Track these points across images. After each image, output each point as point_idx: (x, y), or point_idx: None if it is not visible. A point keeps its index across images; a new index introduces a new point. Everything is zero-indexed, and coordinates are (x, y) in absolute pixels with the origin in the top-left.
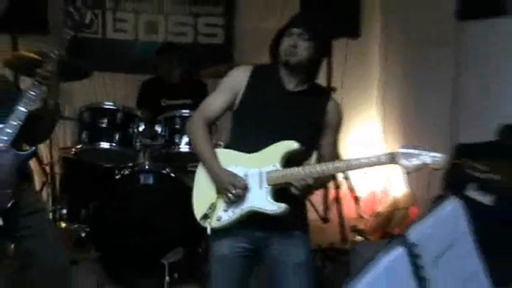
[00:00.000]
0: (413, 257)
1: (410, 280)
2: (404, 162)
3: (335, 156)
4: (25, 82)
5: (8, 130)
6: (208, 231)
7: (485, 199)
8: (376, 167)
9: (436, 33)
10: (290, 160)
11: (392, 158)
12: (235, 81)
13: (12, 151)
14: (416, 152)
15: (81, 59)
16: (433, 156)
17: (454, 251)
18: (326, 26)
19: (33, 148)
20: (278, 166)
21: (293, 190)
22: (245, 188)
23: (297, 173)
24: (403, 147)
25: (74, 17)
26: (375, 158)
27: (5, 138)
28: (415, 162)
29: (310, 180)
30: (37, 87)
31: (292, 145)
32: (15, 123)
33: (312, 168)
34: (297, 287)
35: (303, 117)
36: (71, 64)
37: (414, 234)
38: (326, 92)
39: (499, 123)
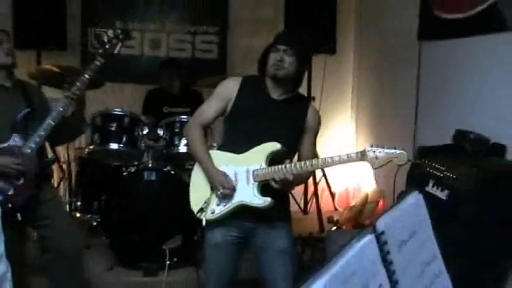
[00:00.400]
0: (381, 243)
1: (378, 263)
2: (371, 159)
3: (314, 156)
4: (46, 91)
5: (37, 139)
6: (204, 223)
7: (442, 194)
8: (348, 164)
9: (402, 51)
10: (274, 159)
11: (361, 156)
12: (226, 91)
13: (37, 158)
14: (382, 150)
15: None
16: (396, 153)
17: (416, 238)
18: (307, 42)
19: (54, 157)
20: (263, 165)
21: (274, 185)
22: (233, 188)
23: (279, 170)
24: (371, 146)
25: (105, 47)
26: (346, 156)
27: (33, 146)
28: (381, 158)
29: (289, 176)
30: (66, 103)
31: (276, 146)
32: (42, 133)
33: (293, 165)
34: (281, 270)
35: (287, 122)
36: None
37: (382, 223)
38: (306, 100)
39: (454, 128)
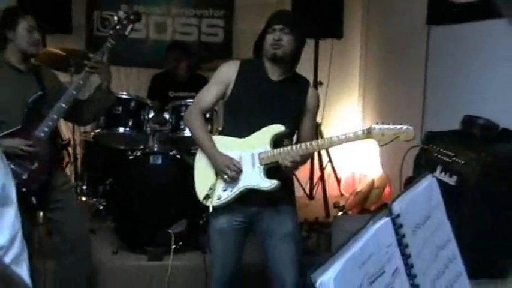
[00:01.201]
0: (397, 226)
1: (394, 246)
2: (378, 135)
3: (313, 136)
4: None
5: (49, 123)
6: (210, 209)
7: (451, 180)
8: (355, 142)
9: (409, 35)
10: (277, 141)
11: (367, 133)
12: (225, 75)
13: (49, 142)
14: (388, 126)
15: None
16: (403, 129)
17: (430, 221)
18: (300, 21)
19: (67, 141)
20: (268, 147)
21: (283, 166)
22: (239, 170)
23: (285, 152)
24: (377, 123)
25: (116, 28)
26: (352, 134)
27: (46, 130)
28: (387, 135)
29: (297, 158)
30: (78, 85)
31: (280, 128)
32: (55, 116)
33: (299, 146)
34: (286, 253)
35: (287, 103)
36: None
37: (398, 206)
38: (306, 81)
39: (462, 114)
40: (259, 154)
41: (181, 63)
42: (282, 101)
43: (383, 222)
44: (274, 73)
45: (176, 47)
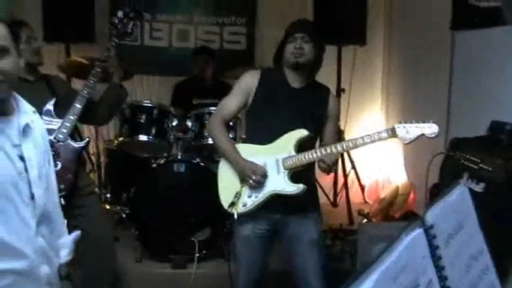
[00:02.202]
0: (430, 237)
1: (427, 258)
2: (402, 134)
3: (336, 140)
4: (75, 83)
5: (67, 124)
6: (236, 216)
7: (478, 187)
8: (379, 142)
9: (433, 41)
10: (301, 146)
11: (391, 133)
12: (246, 85)
13: (70, 143)
14: (412, 124)
15: (124, 63)
16: (427, 126)
17: (463, 231)
18: (318, 29)
19: (87, 139)
20: (292, 152)
21: (322, 166)
22: (265, 175)
23: (310, 156)
24: (400, 122)
25: (118, 27)
26: (376, 134)
27: (65, 131)
28: (411, 132)
29: (335, 157)
30: (90, 86)
31: (303, 132)
32: (72, 117)
33: (323, 150)
34: (311, 260)
35: (309, 110)
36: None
37: (431, 216)
38: (325, 88)
39: (487, 120)
40: (284, 159)
41: (208, 67)
42: (303, 107)
43: (416, 233)
44: (294, 81)
45: (203, 51)
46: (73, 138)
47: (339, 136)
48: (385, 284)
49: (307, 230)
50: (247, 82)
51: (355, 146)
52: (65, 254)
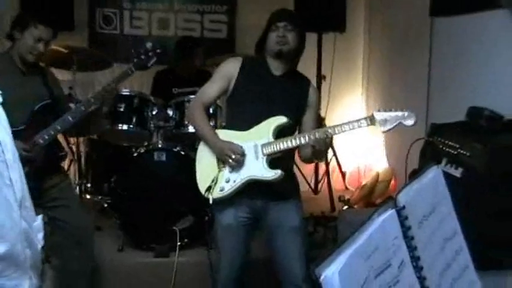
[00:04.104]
0: (402, 218)
1: (400, 239)
2: (381, 121)
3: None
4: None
5: (51, 132)
6: (211, 201)
7: (457, 172)
8: (358, 130)
9: (413, 28)
10: (280, 133)
11: (370, 120)
12: (227, 71)
13: (44, 151)
14: (391, 113)
15: (103, 52)
16: (406, 115)
17: (436, 213)
18: (300, 18)
19: (65, 152)
20: (271, 138)
21: (314, 149)
22: (243, 154)
23: (289, 143)
24: (378, 110)
25: (141, 57)
26: (356, 122)
27: (46, 137)
28: (390, 120)
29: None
30: (90, 103)
31: (282, 119)
32: (59, 128)
33: (301, 136)
34: (294, 247)
35: (289, 98)
36: (96, 56)
37: (403, 198)
38: (306, 78)
39: (467, 105)
40: (263, 145)
41: (196, 59)
42: (283, 95)
43: (388, 214)
44: (276, 68)
45: (193, 42)
46: (54, 145)
47: (319, 125)
48: (357, 263)
49: (289, 217)
50: (228, 68)
51: (334, 133)
52: (40, 238)
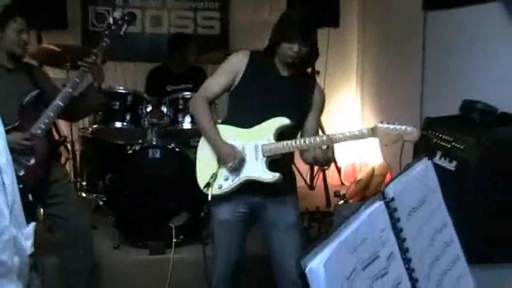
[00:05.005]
0: (391, 210)
1: (388, 231)
2: (382, 135)
3: (316, 132)
4: (47, 71)
5: (46, 120)
6: (209, 197)
7: (450, 165)
8: (359, 140)
9: (406, 22)
10: (281, 135)
11: (372, 132)
12: (234, 66)
13: (46, 139)
14: (393, 126)
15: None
16: (408, 130)
17: (426, 205)
18: (314, 27)
19: (63, 137)
20: (272, 139)
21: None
22: (242, 160)
23: (289, 145)
24: (381, 122)
25: (112, 28)
26: (357, 131)
27: (43, 127)
28: (392, 134)
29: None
30: (74, 84)
31: (284, 121)
32: (51, 114)
33: (302, 141)
34: (291, 244)
35: (294, 99)
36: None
37: (391, 190)
38: (313, 79)
39: (461, 99)
40: (263, 146)
41: (190, 56)
42: (288, 96)
43: (376, 206)
44: (284, 70)
45: (186, 39)
46: (50, 134)
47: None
48: (343, 255)
49: (286, 214)
50: (235, 63)
51: (335, 141)
52: (29, 245)
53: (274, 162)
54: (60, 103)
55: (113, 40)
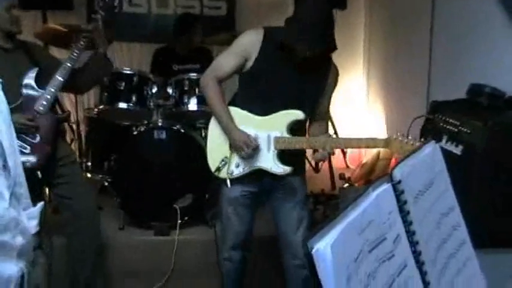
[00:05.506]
0: (398, 192)
1: (395, 213)
2: (396, 148)
3: (328, 112)
4: (52, 51)
5: (47, 96)
6: (228, 184)
7: (457, 149)
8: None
9: (414, 4)
10: (295, 126)
11: (386, 144)
12: (247, 46)
13: (50, 115)
14: (408, 140)
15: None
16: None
17: (433, 188)
18: (332, 26)
19: (68, 112)
20: (285, 133)
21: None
22: (256, 149)
23: (302, 141)
24: (397, 134)
25: (106, 1)
26: (372, 140)
27: (45, 103)
28: (405, 149)
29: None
30: (73, 58)
31: (299, 115)
32: (53, 90)
33: (315, 140)
34: (299, 220)
35: (310, 87)
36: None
37: (399, 172)
38: (328, 58)
39: (468, 83)
40: (275, 138)
41: (197, 36)
42: (304, 83)
43: (383, 189)
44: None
45: (194, 19)
46: (53, 110)
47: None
48: (350, 237)
49: (295, 192)
50: (248, 45)
51: (348, 146)
52: (34, 225)
53: (285, 153)
54: (60, 78)
55: (108, 11)
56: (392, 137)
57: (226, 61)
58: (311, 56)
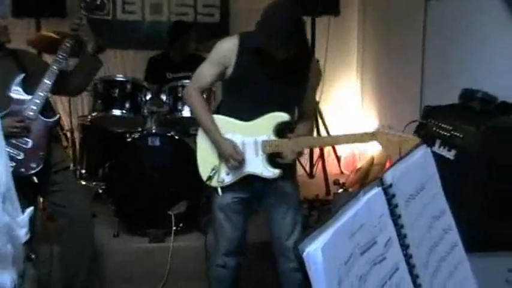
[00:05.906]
0: (389, 196)
1: (386, 217)
2: (383, 140)
3: (313, 110)
4: (46, 59)
5: (37, 101)
6: (220, 193)
7: (449, 154)
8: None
9: (407, 11)
10: (281, 128)
11: (373, 136)
12: (225, 53)
13: (41, 119)
14: (394, 133)
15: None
16: (409, 138)
17: (424, 192)
18: (303, 30)
19: (58, 116)
20: (272, 136)
21: (287, 157)
22: (242, 160)
23: (289, 143)
24: (382, 128)
25: (88, 2)
26: (359, 134)
27: (34, 108)
28: (392, 142)
29: (302, 149)
30: (60, 61)
31: (284, 117)
32: (42, 94)
33: (303, 140)
34: (292, 224)
35: (291, 84)
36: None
37: (390, 176)
38: (308, 55)
39: (461, 88)
40: (263, 142)
41: (191, 44)
42: (286, 83)
43: (374, 193)
44: (278, 52)
45: (188, 27)
46: (44, 114)
47: (314, 109)
48: (341, 241)
49: (288, 197)
50: (224, 53)
51: (336, 142)
52: (23, 234)
53: (274, 156)
54: (47, 81)
55: (90, 12)
56: (379, 130)
57: (206, 71)
58: (286, 58)
